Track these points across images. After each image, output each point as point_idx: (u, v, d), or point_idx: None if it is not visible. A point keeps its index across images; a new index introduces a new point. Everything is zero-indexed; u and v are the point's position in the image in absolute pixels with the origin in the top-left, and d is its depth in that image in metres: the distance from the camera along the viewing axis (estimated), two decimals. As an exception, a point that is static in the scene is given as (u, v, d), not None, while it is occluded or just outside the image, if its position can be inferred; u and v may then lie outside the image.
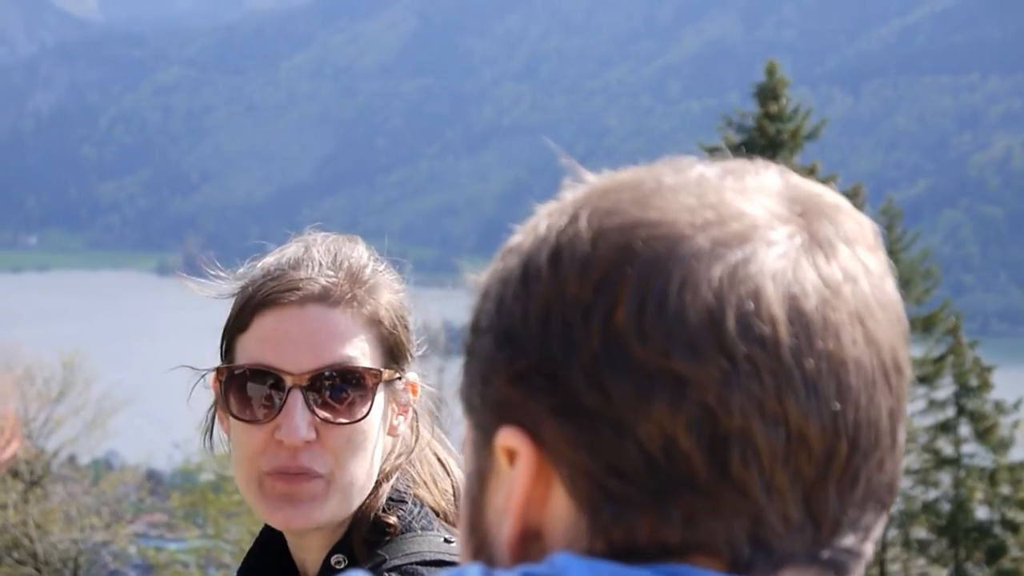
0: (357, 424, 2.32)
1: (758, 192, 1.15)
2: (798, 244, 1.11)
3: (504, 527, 1.16)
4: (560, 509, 1.13)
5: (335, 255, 2.38)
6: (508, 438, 1.14)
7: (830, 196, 1.18)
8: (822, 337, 1.09)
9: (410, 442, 2.47)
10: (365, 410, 2.32)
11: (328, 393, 2.31)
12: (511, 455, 1.15)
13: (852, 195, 30.46)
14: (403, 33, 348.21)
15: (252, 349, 2.33)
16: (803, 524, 1.11)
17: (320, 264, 2.35)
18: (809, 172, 30.35)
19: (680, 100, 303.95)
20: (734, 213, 1.12)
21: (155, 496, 50.13)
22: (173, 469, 54.04)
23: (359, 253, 2.41)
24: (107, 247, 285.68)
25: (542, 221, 1.17)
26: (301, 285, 2.33)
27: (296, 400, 2.29)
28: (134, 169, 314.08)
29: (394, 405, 2.41)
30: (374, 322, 2.36)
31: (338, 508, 2.34)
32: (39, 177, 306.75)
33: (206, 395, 2.38)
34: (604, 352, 1.09)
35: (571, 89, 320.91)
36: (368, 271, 2.38)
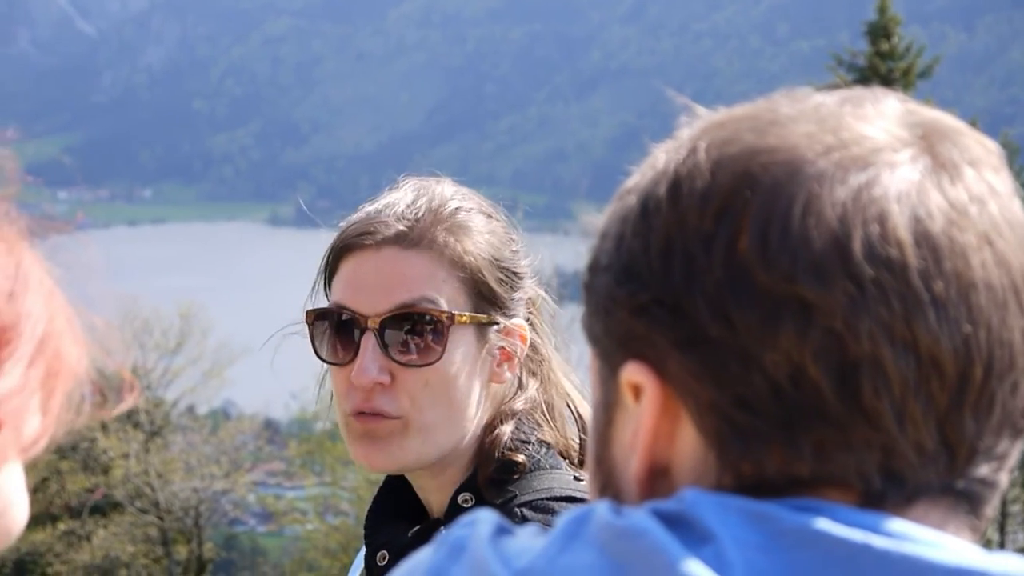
0: (434, 367, 2.29)
1: (878, 117, 1.12)
2: (922, 167, 1.10)
3: (631, 464, 1.15)
4: (688, 444, 1.12)
5: (416, 196, 2.36)
6: (633, 373, 1.13)
7: (951, 120, 1.16)
8: (950, 259, 1.07)
9: (528, 389, 2.42)
10: (439, 353, 2.29)
11: (402, 336, 2.29)
12: (636, 390, 1.14)
13: (967, 133, 30.08)
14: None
15: (336, 292, 2.35)
16: (937, 453, 1.08)
17: (400, 206, 2.34)
18: (922, 111, 30.02)
19: (789, 40, 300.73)
20: (855, 137, 1.10)
21: (272, 445, 50.75)
22: (290, 418, 54.62)
23: (443, 193, 2.37)
24: (220, 199, 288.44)
25: (659, 156, 1.17)
26: (377, 228, 2.32)
27: (368, 343, 2.29)
28: (245, 121, 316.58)
29: (493, 351, 2.36)
30: (456, 263, 2.31)
31: (421, 450, 2.33)
32: (152, 131, 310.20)
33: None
34: (728, 281, 1.08)
35: (679, 31, 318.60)
36: (449, 211, 2.34)
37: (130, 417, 35.41)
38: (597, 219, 1.20)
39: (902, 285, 1.06)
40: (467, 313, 2.31)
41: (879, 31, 30.96)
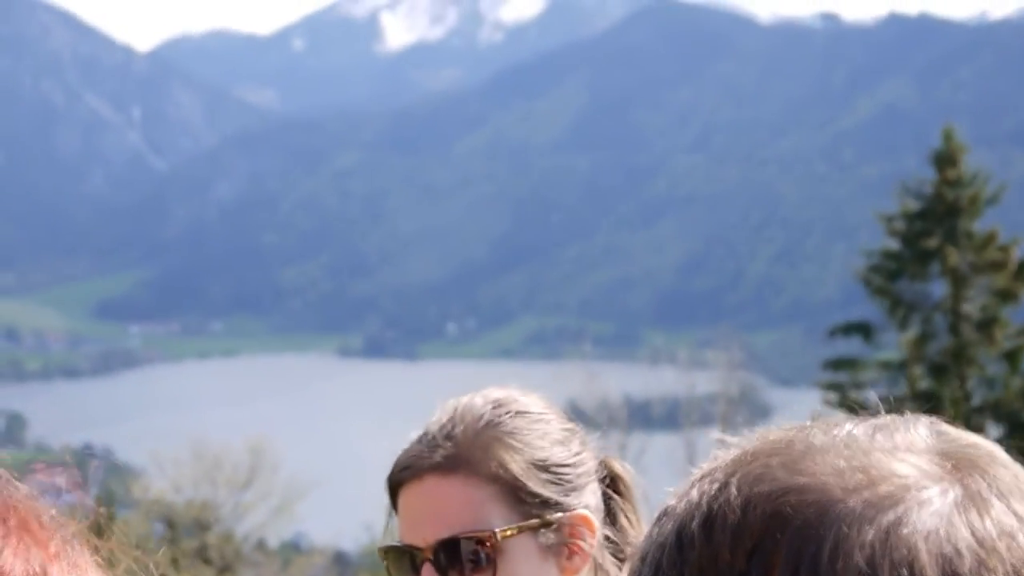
0: None
1: (908, 451, 1.13)
2: (950, 501, 1.10)
3: None
4: None
5: (450, 418, 2.43)
6: None
7: (984, 447, 1.16)
8: None
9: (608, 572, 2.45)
10: (491, 573, 2.35)
11: (457, 562, 2.36)
12: None
13: (1035, 258, 29.92)
14: (575, 109, 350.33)
15: (399, 527, 2.47)
16: None
17: (435, 434, 2.42)
18: (989, 238, 29.91)
19: (855, 166, 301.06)
20: (884, 474, 1.11)
21: (343, 577, 50.60)
22: (361, 549, 54.45)
23: (476, 408, 2.44)
24: (290, 331, 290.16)
25: (694, 487, 1.18)
26: (414, 462, 2.41)
27: (427, 574, 2.38)
28: (314, 253, 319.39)
29: (557, 549, 2.42)
30: (494, 478, 2.37)
31: None
32: (223, 264, 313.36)
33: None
34: None
35: (744, 158, 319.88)
36: (482, 426, 2.41)
37: (200, 553, 35.49)
38: (639, 542, 1.21)
39: None
40: (513, 526, 2.38)
41: (945, 158, 30.97)
